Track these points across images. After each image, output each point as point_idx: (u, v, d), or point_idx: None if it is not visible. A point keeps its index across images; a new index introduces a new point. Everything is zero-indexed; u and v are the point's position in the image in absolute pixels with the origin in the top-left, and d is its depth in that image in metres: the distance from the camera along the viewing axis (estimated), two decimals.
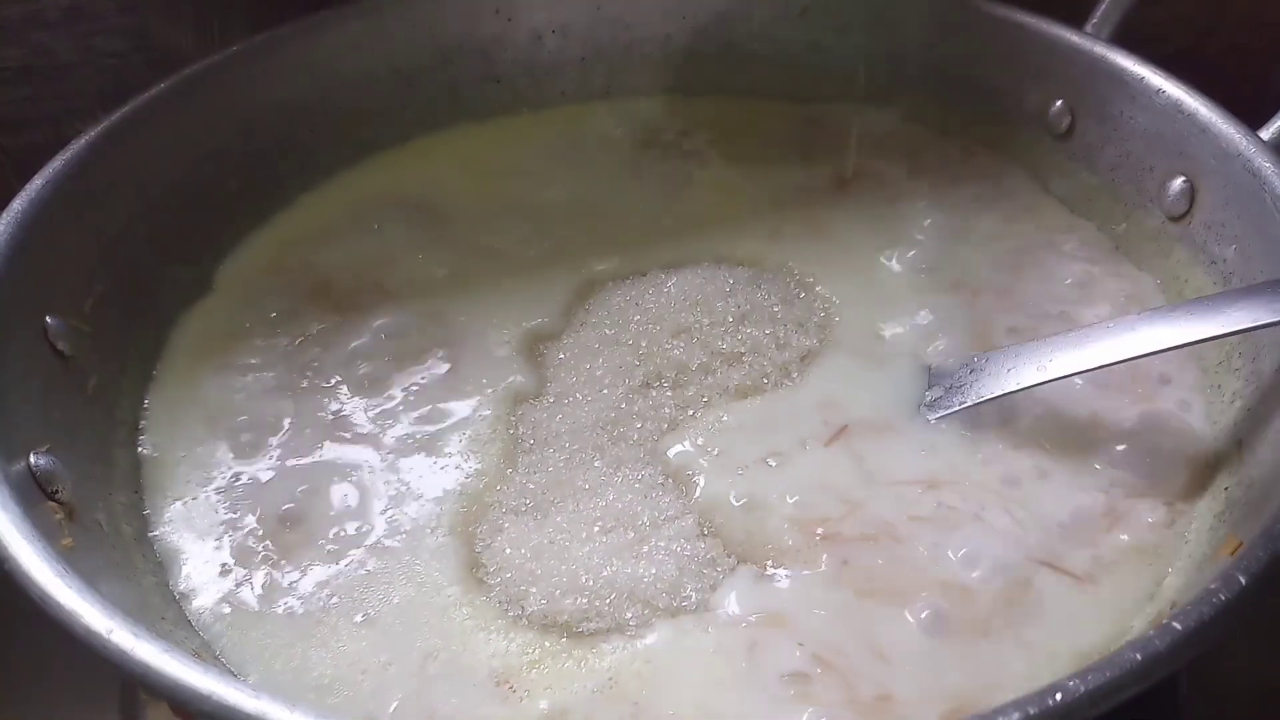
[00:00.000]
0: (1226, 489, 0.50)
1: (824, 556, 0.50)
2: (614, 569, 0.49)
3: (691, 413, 0.57)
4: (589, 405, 0.57)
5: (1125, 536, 0.50)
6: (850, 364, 0.59)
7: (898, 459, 0.54)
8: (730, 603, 0.48)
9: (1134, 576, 0.49)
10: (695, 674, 0.46)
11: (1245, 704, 0.58)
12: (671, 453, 0.55)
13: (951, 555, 0.50)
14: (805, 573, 0.49)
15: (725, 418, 0.56)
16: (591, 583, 0.49)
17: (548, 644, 0.47)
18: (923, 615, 0.47)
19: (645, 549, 0.50)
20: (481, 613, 0.49)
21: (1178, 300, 0.60)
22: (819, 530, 0.51)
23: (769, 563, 0.50)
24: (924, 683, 0.45)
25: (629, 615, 0.48)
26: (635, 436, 0.56)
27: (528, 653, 0.47)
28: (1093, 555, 0.50)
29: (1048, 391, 0.54)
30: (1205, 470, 0.52)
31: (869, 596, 0.48)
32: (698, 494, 0.53)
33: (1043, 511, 0.51)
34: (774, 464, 0.54)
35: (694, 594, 0.49)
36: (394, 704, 0.46)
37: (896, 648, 0.46)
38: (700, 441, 0.55)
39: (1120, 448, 0.54)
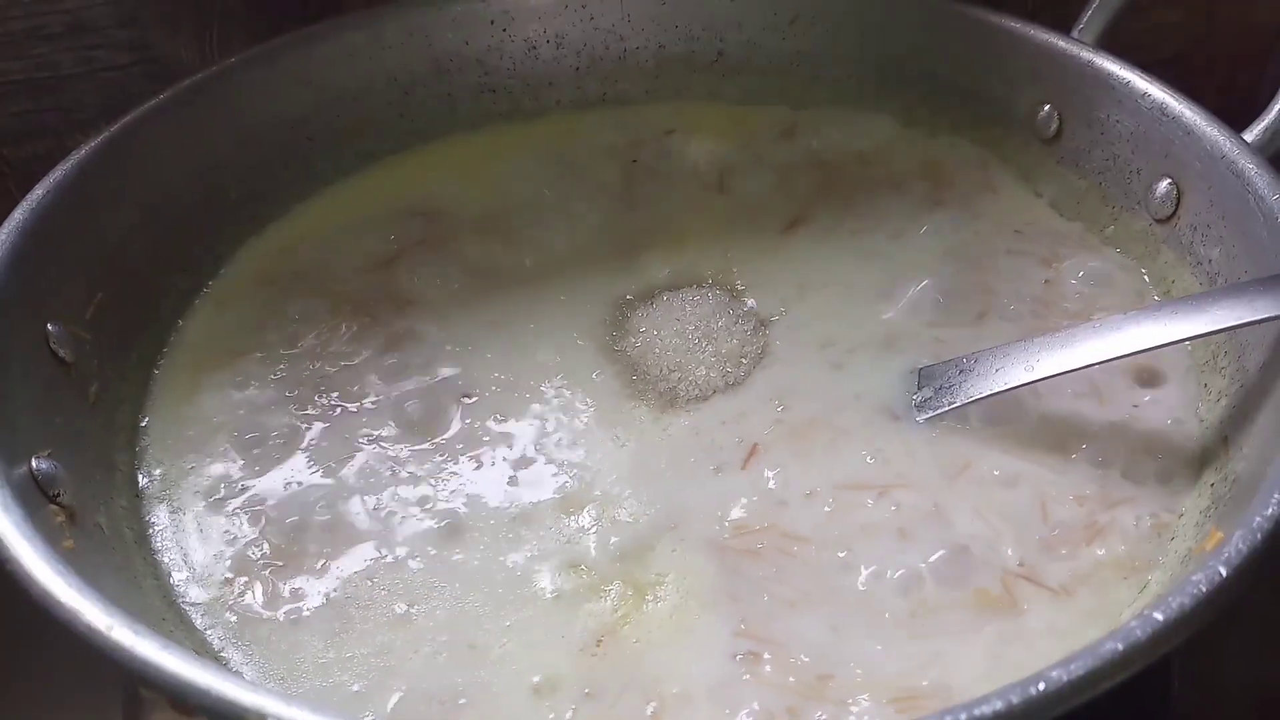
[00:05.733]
0: (1212, 485, 0.51)
1: (773, 553, 0.51)
2: None
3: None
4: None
5: (1111, 536, 0.51)
6: (819, 371, 0.59)
7: (858, 463, 0.54)
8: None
9: (1119, 580, 0.49)
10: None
11: (1236, 703, 0.59)
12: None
13: (922, 559, 0.50)
14: (753, 568, 0.50)
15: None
16: None
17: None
18: (872, 615, 0.48)
19: None
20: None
21: (1164, 300, 0.61)
22: (762, 533, 0.52)
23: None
24: (876, 676, 0.46)
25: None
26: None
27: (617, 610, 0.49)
28: (1071, 567, 0.50)
29: (1029, 393, 0.55)
30: (1192, 468, 0.53)
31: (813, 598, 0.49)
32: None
33: (1019, 517, 0.51)
34: (716, 469, 0.55)
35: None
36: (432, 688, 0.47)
37: (850, 646, 0.47)
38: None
39: (1107, 448, 0.54)
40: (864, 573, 0.50)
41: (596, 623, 0.49)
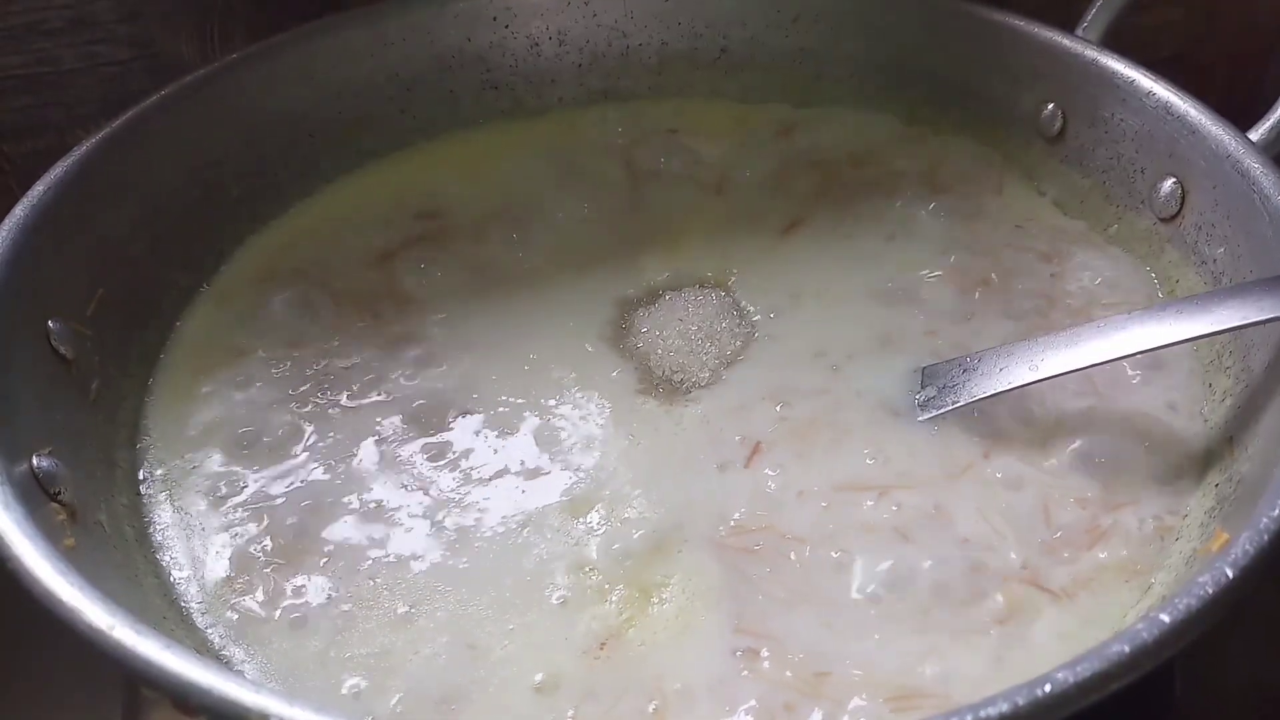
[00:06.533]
0: (1217, 485, 0.51)
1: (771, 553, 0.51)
2: None
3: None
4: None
5: (1114, 539, 0.50)
6: (819, 370, 0.59)
7: (859, 462, 0.54)
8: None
9: (1121, 584, 0.49)
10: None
11: (1239, 703, 0.59)
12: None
13: (922, 559, 0.50)
14: (755, 566, 0.50)
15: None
16: None
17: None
18: (871, 614, 0.48)
19: None
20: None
21: (1169, 300, 0.60)
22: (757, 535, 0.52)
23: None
24: (873, 675, 0.46)
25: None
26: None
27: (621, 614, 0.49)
28: (1074, 570, 0.50)
29: (1032, 393, 0.55)
30: (1197, 469, 0.53)
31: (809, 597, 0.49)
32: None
33: (1022, 519, 0.51)
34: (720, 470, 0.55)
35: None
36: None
37: (847, 645, 0.47)
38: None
39: (1110, 449, 0.54)
40: (862, 572, 0.50)
41: (600, 625, 0.48)
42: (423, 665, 0.47)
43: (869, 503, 0.52)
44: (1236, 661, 0.58)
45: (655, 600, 0.49)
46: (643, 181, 0.71)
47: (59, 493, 0.48)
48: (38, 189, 0.56)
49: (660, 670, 0.47)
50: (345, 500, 0.54)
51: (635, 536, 0.52)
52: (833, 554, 0.50)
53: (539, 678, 0.47)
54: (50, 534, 0.43)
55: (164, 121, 0.63)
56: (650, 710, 0.45)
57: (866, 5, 0.73)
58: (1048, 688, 0.36)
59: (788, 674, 0.46)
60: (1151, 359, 0.56)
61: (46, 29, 0.71)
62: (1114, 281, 0.62)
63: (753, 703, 0.45)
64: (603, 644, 0.48)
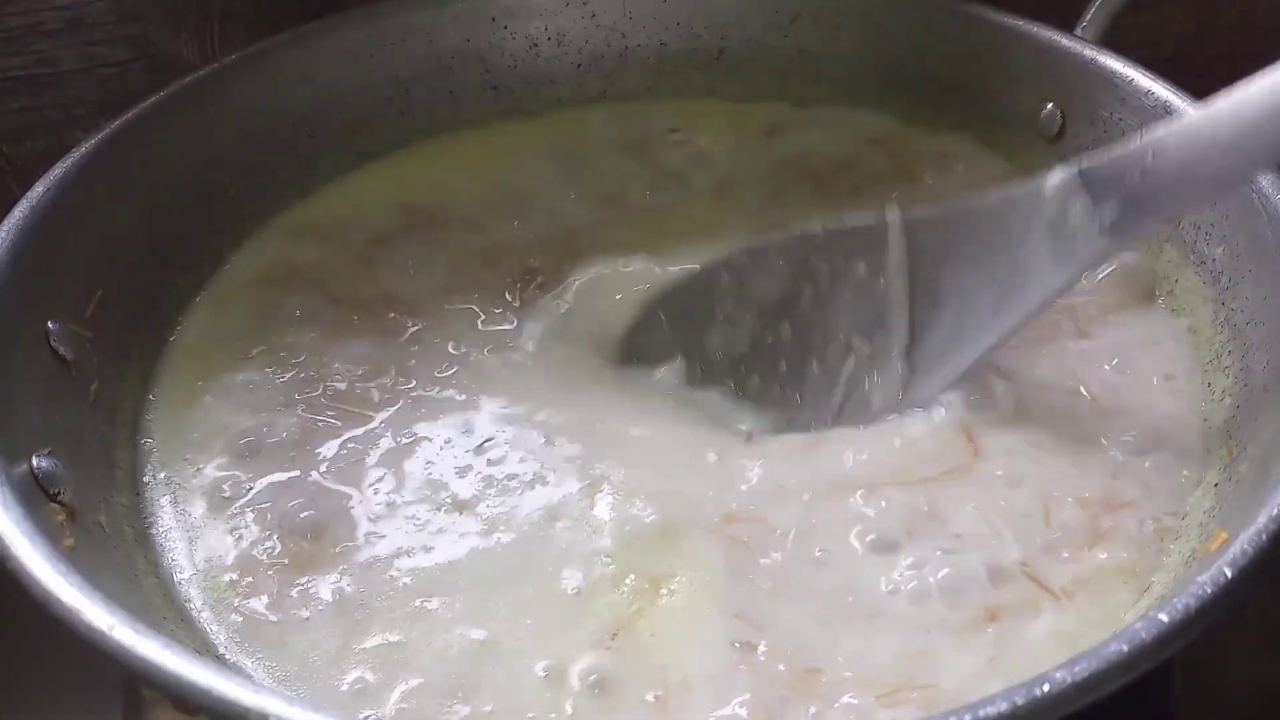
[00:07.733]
0: (1217, 485, 0.51)
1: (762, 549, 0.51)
2: None
3: None
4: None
5: (1113, 539, 0.50)
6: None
7: (852, 458, 0.54)
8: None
9: (1120, 584, 0.49)
10: None
11: (1239, 703, 0.59)
12: None
13: (919, 556, 0.50)
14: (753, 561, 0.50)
15: None
16: None
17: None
18: (869, 610, 0.48)
19: None
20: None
21: (1169, 300, 0.61)
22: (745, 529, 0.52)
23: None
24: (865, 671, 0.46)
25: None
26: None
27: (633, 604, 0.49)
28: (1073, 570, 0.49)
29: (1033, 392, 0.55)
30: (1196, 469, 0.53)
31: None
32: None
33: (1021, 518, 0.51)
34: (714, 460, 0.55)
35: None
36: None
37: (842, 641, 0.47)
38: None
39: (1110, 449, 0.54)
40: (861, 570, 0.49)
41: (611, 616, 0.48)
42: (433, 659, 0.47)
43: (861, 498, 0.52)
44: (1236, 662, 0.59)
45: (665, 591, 0.49)
46: (641, 182, 0.71)
47: (58, 493, 0.48)
48: (37, 190, 0.56)
49: (664, 660, 0.47)
50: (350, 502, 0.53)
51: (644, 529, 0.51)
52: (829, 549, 0.50)
53: (546, 670, 0.47)
54: (50, 534, 0.43)
55: (163, 122, 0.63)
56: (652, 699, 0.45)
57: (866, 5, 0.73)
58: (1046, 687, 0.35)
59: (781, 668, 0.46)
60: (1149, 361, 0.56)
61: (45, 30, 0.71)
62: (1113, 283, 0.62)
63: (747, 695, 0.45)
64: (614, 635, 0.48)
